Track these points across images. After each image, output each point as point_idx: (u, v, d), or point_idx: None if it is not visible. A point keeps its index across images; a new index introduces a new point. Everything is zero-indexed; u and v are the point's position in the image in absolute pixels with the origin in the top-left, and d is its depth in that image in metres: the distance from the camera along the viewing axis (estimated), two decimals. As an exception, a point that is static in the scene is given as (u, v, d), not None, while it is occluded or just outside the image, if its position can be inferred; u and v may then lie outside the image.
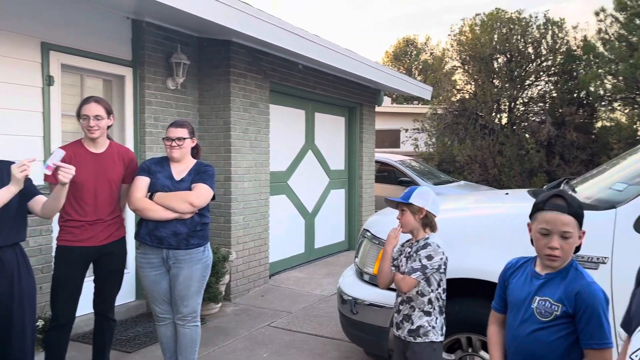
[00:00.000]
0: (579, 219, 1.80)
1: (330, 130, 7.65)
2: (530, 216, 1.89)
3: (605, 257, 2.58)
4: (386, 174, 10.37)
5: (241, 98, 5.44)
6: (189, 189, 3.13)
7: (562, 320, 1.77)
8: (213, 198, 3.23)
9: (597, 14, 12.41)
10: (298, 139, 6.87)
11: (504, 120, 13.74)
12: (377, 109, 8.82)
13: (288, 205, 6.66)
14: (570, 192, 1.89)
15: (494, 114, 13.47)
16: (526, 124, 13.42)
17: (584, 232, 1.82)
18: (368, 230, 3.45)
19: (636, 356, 1.29)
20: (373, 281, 3.19)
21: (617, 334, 2.54)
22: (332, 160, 7.69)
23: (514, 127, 13.28)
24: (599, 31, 12.40)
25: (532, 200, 3.21)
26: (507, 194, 3.76)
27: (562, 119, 12.48)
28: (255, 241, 5.72)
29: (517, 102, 13.71)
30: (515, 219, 2.86)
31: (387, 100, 17.36)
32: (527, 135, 13.02)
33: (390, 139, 17.34)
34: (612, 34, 12.30)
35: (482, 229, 3.02)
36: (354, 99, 7.87)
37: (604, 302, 1.76)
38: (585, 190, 3.13)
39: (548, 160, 12.38)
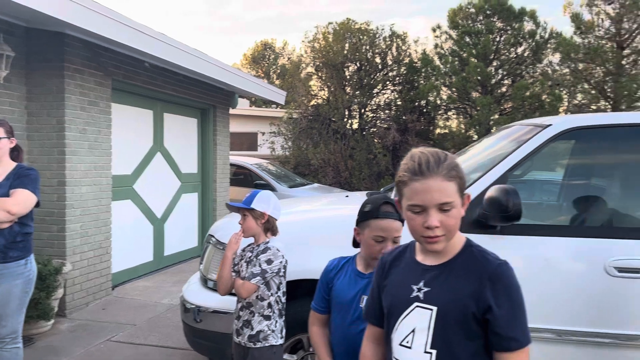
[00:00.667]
0: (404, 223, 1.94)
1: (182, 132, 7.40)
2: (360, 222, 1.96)
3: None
4: (242, 177, 10.32)
5: (78, 95, 5.01)
6: (7, 195, 2.80)
7: None
8: (37, 205, 2.92)
9: (434, 30, 13.65)
10: (145, 141, 6.52)
11: (355, 126, 14.46)
12: (235, 111, 8.74)
13: (134, 210, 6.29)
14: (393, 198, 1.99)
15: (345, 120, 14.11)
16: (374, 129, 14.28)
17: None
18: (212, 236, 3.38)
19: (407, 342, 1.39)
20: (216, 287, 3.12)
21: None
22: (183, 163, 7.43)
23: (364, 133, 14.04)
24: (436, 46, 13.64)
25: (369, 202, 3.39)
26: (347, 196, 3.94)
27: (405, 126, 13.48)
28: (95, 250, 5.30)
29: (367, 109, 14.52)
30: (354, 220, 2.99)
31: (245, 103, 17.31)
32: (375, 140, 13.85)
33: (248, 142, 17.31)
34: (447, 49, 13.60)
35: (323, 230, 3.11)
36: (207, 101, 7.70)
37: None
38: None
39: (394, 164, 13.28)
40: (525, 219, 3.11)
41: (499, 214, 2.60)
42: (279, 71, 32.38)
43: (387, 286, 1.51)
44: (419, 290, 1.40)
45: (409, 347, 1.39)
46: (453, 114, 14.40)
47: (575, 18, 13.20)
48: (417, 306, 1.39)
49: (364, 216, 1.95)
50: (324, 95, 14.71)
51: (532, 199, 3.71)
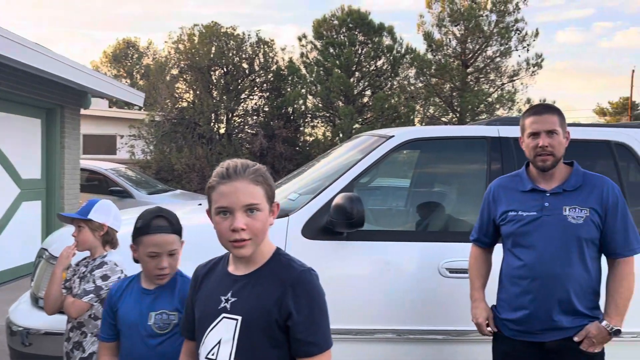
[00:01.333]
0: (180, 234, 1.93)
1: (21, 133, 6.67)
2: (134, 238, 1.90)
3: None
4: (96, 183, 9.60)
5: None
6: None
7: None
8: None
9: (299, 39, 13.97)
10: (-25, 143, 5.78)
11: (222, 131, 14.25)
12: (90, 112, 8.13)
13: (-40, 221, 5.53)
14: (168, 210, 1.94)
15: (212, 124, 13.84)
16: (242, 135, 14.19)
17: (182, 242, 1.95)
18: (46, 250, 3.06)
19: (213, 355, 1.39)
20: (49, 307, 2.83)
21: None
22: (23, 168, 6.71)
23: (231, 138, 13.88)
24: (302, 55, 13.95)
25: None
26: (200, 204, 3.82)
27: (272, 132, 13.58)
28: None
29: (234, 114, 14.39)
30: (205, 230, 2.90)
31: (104, 104, 16.20)
32: (244, 146, 13.76)
33: (105, 145, 16.20)
34: (312, 59, 13.98)
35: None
36: (53, 100, 7.04)
37: None
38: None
39: (261, 169, 13.30)
40: (370, 225, 3.26)
41: (344, 221, 2.69)
42: (143, 71, 30.85)
43: (198, 300, 1.48)
44: (227, 300, 1.40)
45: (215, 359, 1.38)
46: (319, 122, 14.82)
47: (427, 36, 14.35)
48: (224, 317, 1.39)
49: (137, 232, 1.90)
50: (189, 98, 14.30)
51: (380, 205, 3.90)
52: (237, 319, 1.37)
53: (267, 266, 1.41)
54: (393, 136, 3.14)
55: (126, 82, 31.01)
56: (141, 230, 1.87)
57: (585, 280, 2.16)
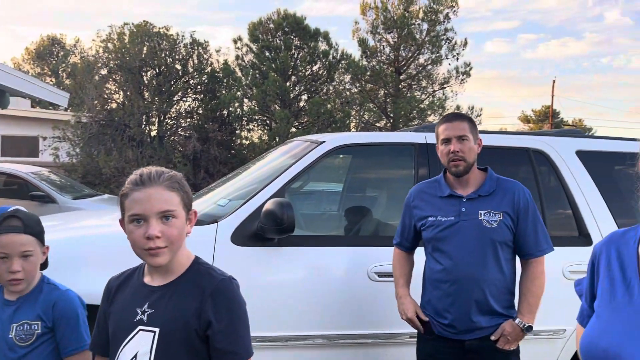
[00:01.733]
0: (39, 236, 1.82)
1: None
2: None
3: (207, 269, 2.74)
4: (15, 187, 9.04)
5: None
6: None
7: (45, 337, 1.77)
8: None
9: (235, 41, 13.82)
10: None
11: (154, 133, 13.83)
12: (9, 112, 7.63)
13: None
14: (26, 211, 1.86)
15: (143, 126, 13.40)
16: (175, 138, 13.84)
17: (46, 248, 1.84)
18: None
19: None
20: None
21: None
22: None
23: (163, 141, 13.50)
24: (237, 57, 13.81)
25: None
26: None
27: (206, 135, 13.33)
28: None
29: (167, 116, 14.01)
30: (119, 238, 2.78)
31: (26, 103, 15.31)
32: (178, 149, 13.42)
33: (27, 148, 15.33)
34: (248, 62, 13.87)
35: (88, 249, 2.84)
36: (-35, 99, 6.57)
37: (80, 307, 1.84)
38: (198, 206, 3.30)
39: (195, 173, 13.02)
40: (302, 230, 3.26)
41: (274, 227, 2.66)
42: (69, 70, 29.45)
43: (112, 313, 1.43)
44: (143, 312, 1.36)
45: None
46: (255, 126, 14.71)
47: (362, 43, 14.60)
48: (140, 329, 1.34)
49: None
50: (118, 99, 13.78)
51: (312, 210, 3.90)
52: (154, 331, 1.33)
53: (185, 276, 1.37)
54: (324, 142, 3.15)
55: (51, 81, 29.48)
56: None
57: (500, 281, 2.27)
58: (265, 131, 14.24)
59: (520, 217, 2.27)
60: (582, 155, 3.34)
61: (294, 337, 2.81)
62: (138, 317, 1.35)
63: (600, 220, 3.16)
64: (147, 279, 1.40)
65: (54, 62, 31.09)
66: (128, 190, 1.34)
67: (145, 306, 1.36)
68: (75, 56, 30.68)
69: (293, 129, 13.28)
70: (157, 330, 1.33)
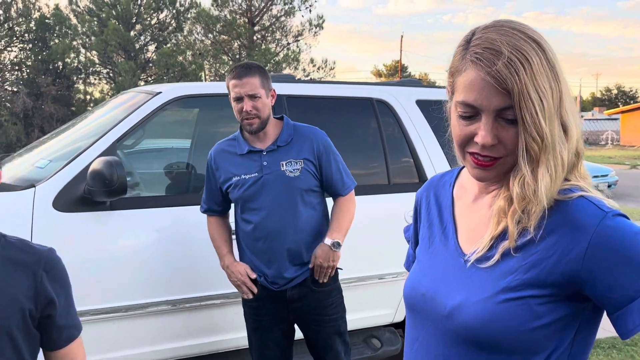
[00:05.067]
0: None
1: None
2: None
3: (24, 241, 2.38)
4: None
5: None
6: None
7: None
8: None
9: (67, -17, 12.27)
10: None
11: (-28, 88, 11.99)
12: None
13: None
14: None
15: (-43, 80, 11.53)
16: (0, 93, 12.14)
17: None
18: None
19: None
20: None
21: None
22: None
23: (-15, 97, 11.78)
24: (70, 2, 12.33)
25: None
26: None
27: (38, 90, 11.88)
28: None
29: (-13, 68, 12.18)
30: None
31: None
32: (4, 106, 11.79)
33: None
34: (84, 7, 12.47)
35: None
36: None
37: None
38: (12, 169, 2.86)
39: (27, 133, 11.61)
40: (139, 191, 2.99)
41: (103, 189, 2.38)
42: None
43: None
44: None
45: None
46: (96, 79, 13.44)
47: (213, -9, 13.88)
48: None
49: None
50: None
51: (153, 169, 3.61)
52: None
53: None
54: (160, 92, 2.87)
55: None
56: None
57: (312, 229, 2.29)
58: (110, 85, 13.08)
59: (323, 161, 2.30)
60: (421, 104, 3.48)
61: (135, 306, 2.59)
62: None
63: (437, 167, 3.34)
64: None
65: None
66: None
67: None
68: None
69: (141, 82, 12.35)
70: None
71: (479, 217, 1.03)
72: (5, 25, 12.17)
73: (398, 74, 37.23)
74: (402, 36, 37.83)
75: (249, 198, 2.24)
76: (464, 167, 1.12)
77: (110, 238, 2.59)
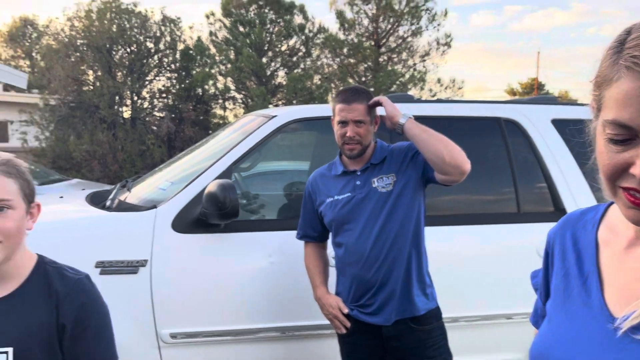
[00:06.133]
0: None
1: None
2: None
3: (144, 260, 2.47)
4: (-22, 174, 8.67)
5: None
6: None
7: None
8: None
9: (207, 17, 13.31)
10: None
11: (126, 115, 13.39)
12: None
13: None
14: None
15: (115, 108, 12.95)
16: (148, 119, 13.40)
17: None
18: None
19: None
20: None
21: (159, 336, 2.49)
22: None
23: (136, 122, 13.07)
24: (210, 33, 13.33)
25: (86, 205, 2.91)
26: (61, 197, 3.38)
27: (181, 115, 12.92)
28: None
29: (140, 97, 13.54)
30: (55, 227, 2.50)
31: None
32: (152, 129, 13.00)
33: (-3, 132, 14.84)
34: (222, 38, 13.40)
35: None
36: None
37: None
38: (139, 190, 3.02)
39: (170, 155, 12.63)
40: (254, 214, 3.00)
41: (216, 211, 2.40)
42: (44, 52, 28.56)
43: None
44: None
45: None
46: (230, 104, 14.31)
47: (340, 15, 14.17)
48: None
49: None
50: (88, 79, 13.27)
51: (268, 191, 3.63)
52: (6, 352, 1.12)
53: (30, 281, 1.17)
54: (275, 116, 2.87)
55: (25, 63, 28.62)
56: None
57: (405, 242, 2.10)
58: (243, 109, 13.85)
59: (409, 157, 2.15)
60: (559, 124, 3.10)
61: (244, 331, 2.57)
62: None
63: (578, 196, 2.94)
64: None
65: (28, 44, 30.13)
66: None
67: None
68: (49, 37, 29.77)
69: (270, 106, 12.91)
70: (9, 350, 1.13)
71: (634, 271, 0.78)
72: (155, 57, 13.47)
73: (534, 92, 35.02)
74: (538, 52, 35.63)
75: (341, 220, 2.16)
76: (612, 203, 0.88)
77: (224, 260, 2.60)
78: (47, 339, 1.16)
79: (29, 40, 30.28)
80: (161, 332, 2.47)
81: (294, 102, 13.10)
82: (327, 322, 2.61)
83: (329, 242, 2.35)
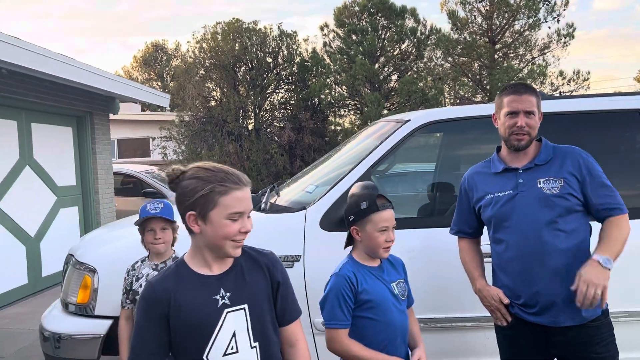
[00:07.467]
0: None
1: (55, 142, 6.86)
2: (357, 219, 2.11)
3: (298, 256, 2.78)
4: (131, 185, 9.83)
5: None
6: None
7: None
8: None
9: (321, 28, 13.86)
10: (10, 154, 5.96)
11: (251, 126, 14.32)
12: (123, 116, 8.32)
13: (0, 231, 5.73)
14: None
15: (241, 121, 13.92)
16: (270, 129, 14.23)
17: None
18: (72, 255, 3.12)
19: (232, 348, 1.49)
20: (78, 311, 2.89)
21: (313, 323, 2.77)
22: (59, 176, 6.90)
23: (260, 133, 13.94)
24: (325, 44, 13.84)
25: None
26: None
27: (300, 124, 13.57)
28: (-49, 280, 4.75)
29: (262, 109, 14.43)
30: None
31: (137, 108, 16.54)
32: (275, 139, 13.80)
33: (140, 148, 16.56)
34: (335, 48, 13.86)
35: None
36: (81, 108, 7.21)
37: None
38: (287, 194, 3.36)
39: (291, 162, 13.32)
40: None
41: (361, 211, 2.63)
42: (172, 73, 31.28)
43: (182, 313, 1.43)
44: (223, 297, 1.47)
45: (236, 352, 1.46)
46: (346, 111, 14.72)
47: (452, 15, 14.00)
48: (228, 312, 1.47)
49: (364, 212, 2.10)
50: (216, 96, 14.41)
51: (403, 191, 3.81)
52: (243, 307, 1.48)
53: (240, 259, 1.55)
54: (409, 120, 3.05)
55: (157, 85, 31.54)
56: (369, 209, 2.10)
57: (571, 252, 2.07)
58: (357, 116, 14.19)
59: (587, 181, 2.10)
60: None
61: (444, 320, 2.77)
62: (221, 303, 1.47)
63: None
64: (203, 271, 1.49)
65: (159, 67, 33.16)
66: (228, 188, 1.44)
67: (222, 291, 1.48)
68: (177, 59, 32.51)
69: (385, 111, 13.10)
70: (245, 306, 1.49)
71: None
72: (274, 71, 14.25)
73: (672, 78, 31.53)
74: (676, 33, 32.04)
75: (502, 216, 2.17)
76: None
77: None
78: (268, 294, 1.54)
79: (160, 64, 33.35)
80: (315, 321, 2.75)
81: (407, 105, 13.17)
82: (467, 315, 2.74)
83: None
